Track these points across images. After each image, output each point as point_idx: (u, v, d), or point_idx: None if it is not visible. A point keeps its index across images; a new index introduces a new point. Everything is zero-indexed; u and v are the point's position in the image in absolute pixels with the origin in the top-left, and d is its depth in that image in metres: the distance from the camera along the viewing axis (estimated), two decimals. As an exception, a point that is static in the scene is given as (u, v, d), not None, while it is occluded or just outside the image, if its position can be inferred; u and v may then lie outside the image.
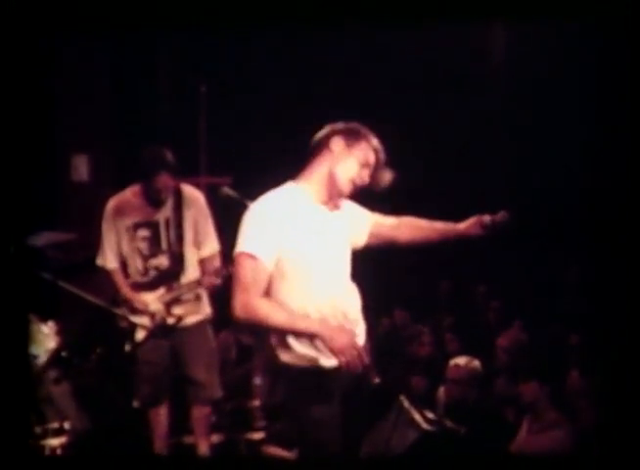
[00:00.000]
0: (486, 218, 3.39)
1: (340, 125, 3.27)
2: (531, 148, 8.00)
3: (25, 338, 3.96)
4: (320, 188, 3.23)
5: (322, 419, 3.12)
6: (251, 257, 3.07)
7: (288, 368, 3.17)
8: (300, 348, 3.15)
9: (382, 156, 3.27)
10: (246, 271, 3.07)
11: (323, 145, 3.24)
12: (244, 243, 3.10)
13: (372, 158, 3.25)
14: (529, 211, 7.97)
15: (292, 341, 3.15)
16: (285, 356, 3.17)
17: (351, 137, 3.23)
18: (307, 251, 3.14)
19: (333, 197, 3.26)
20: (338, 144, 3.22)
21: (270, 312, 3.08)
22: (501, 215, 3.39)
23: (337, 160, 3.22)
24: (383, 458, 4.20)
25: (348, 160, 3.22)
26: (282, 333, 3.15)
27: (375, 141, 3.26)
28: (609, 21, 3.65)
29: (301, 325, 3.11)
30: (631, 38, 3.56)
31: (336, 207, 3.29)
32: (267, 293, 3.14)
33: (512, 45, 7.69)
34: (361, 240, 3.44)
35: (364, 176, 3.25)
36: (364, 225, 3.44)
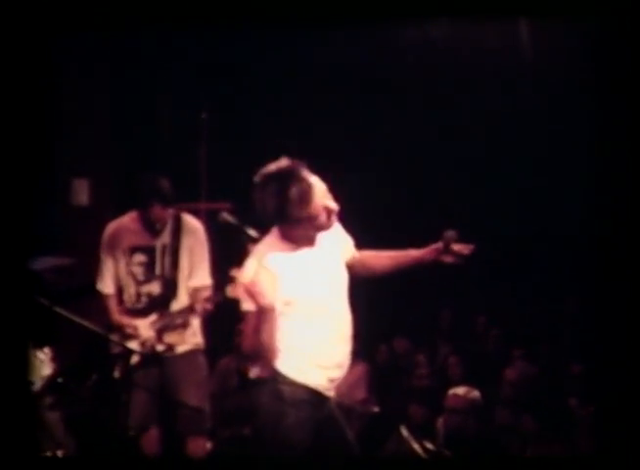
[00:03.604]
0: (440, 245, 3.41)
1: (270, 169, 3.30)
2: (531, 175, 7.97)
3: (25, 365, 3.92)
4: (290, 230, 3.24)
5: (296, 424, 3.19)
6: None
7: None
8: (303, 378, 3.23)
9: (318, 187, 3.25)
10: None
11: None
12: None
13: (309, 190, 3.22)
14: (529, 240, 7.97)
15: (295, 373, 3.22)
16: (286, 389, 3.23)
17: (284, 180, 3.23)
18: (303, 294, 3.22)
19: (309, 231, 3.26)
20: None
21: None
22: (450, 235, 3.39)
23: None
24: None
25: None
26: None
27: (305, 173, 3.25)
28: (609, 21, 3.62)
29: None
30: (631, 38, 3.54)
31: (311, 242, 3.30)
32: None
33: (509, 46, 7.61)
34: (349, 253, 3.47)
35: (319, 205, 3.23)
36: (348, 249, 3.50)
